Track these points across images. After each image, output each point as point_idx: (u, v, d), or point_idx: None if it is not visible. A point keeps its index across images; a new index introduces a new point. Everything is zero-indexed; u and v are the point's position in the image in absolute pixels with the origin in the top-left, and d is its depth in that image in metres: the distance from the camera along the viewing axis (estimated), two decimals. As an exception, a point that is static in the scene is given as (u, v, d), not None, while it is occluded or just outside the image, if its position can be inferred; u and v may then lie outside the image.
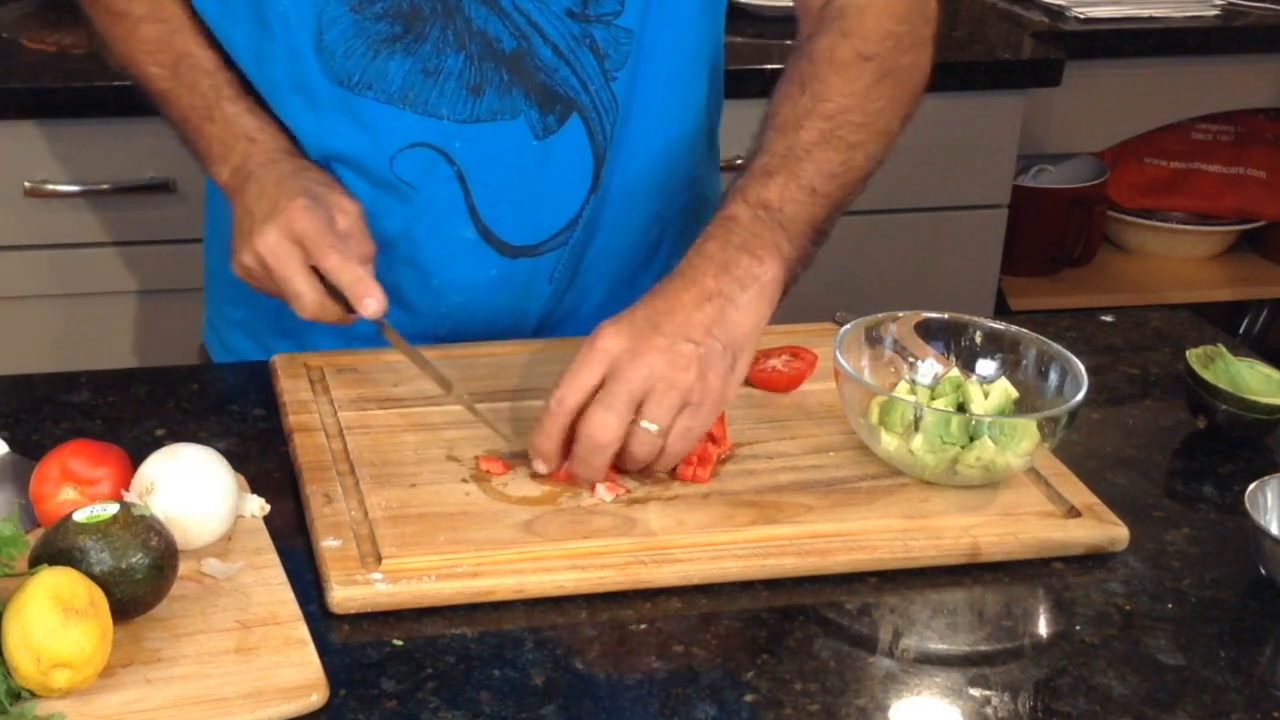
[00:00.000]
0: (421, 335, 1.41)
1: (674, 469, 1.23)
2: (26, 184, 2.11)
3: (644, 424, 1.17)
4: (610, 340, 1.18)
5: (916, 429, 1.21)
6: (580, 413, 1.18)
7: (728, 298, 1.21)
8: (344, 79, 1.34)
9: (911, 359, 1.33)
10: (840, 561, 1.15)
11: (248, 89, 1.40)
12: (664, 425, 1.17)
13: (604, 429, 1.16)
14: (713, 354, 1.19)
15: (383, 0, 1.32)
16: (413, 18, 1.32)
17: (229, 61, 1.40)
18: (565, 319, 1.48)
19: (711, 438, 1.26)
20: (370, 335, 1.40)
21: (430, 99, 1.35)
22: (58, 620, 0.95)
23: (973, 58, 2.43)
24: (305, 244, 1.30)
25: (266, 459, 1.27)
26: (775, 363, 1.37)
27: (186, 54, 1.39)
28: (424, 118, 1.35)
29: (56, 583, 0.96)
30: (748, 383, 1.37)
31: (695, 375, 1.17)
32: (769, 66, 2.29)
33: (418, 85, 1.34)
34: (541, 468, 1.21)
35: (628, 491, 1.21)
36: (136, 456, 1.13)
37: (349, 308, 1.30)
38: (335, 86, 1.35)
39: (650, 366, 1.16)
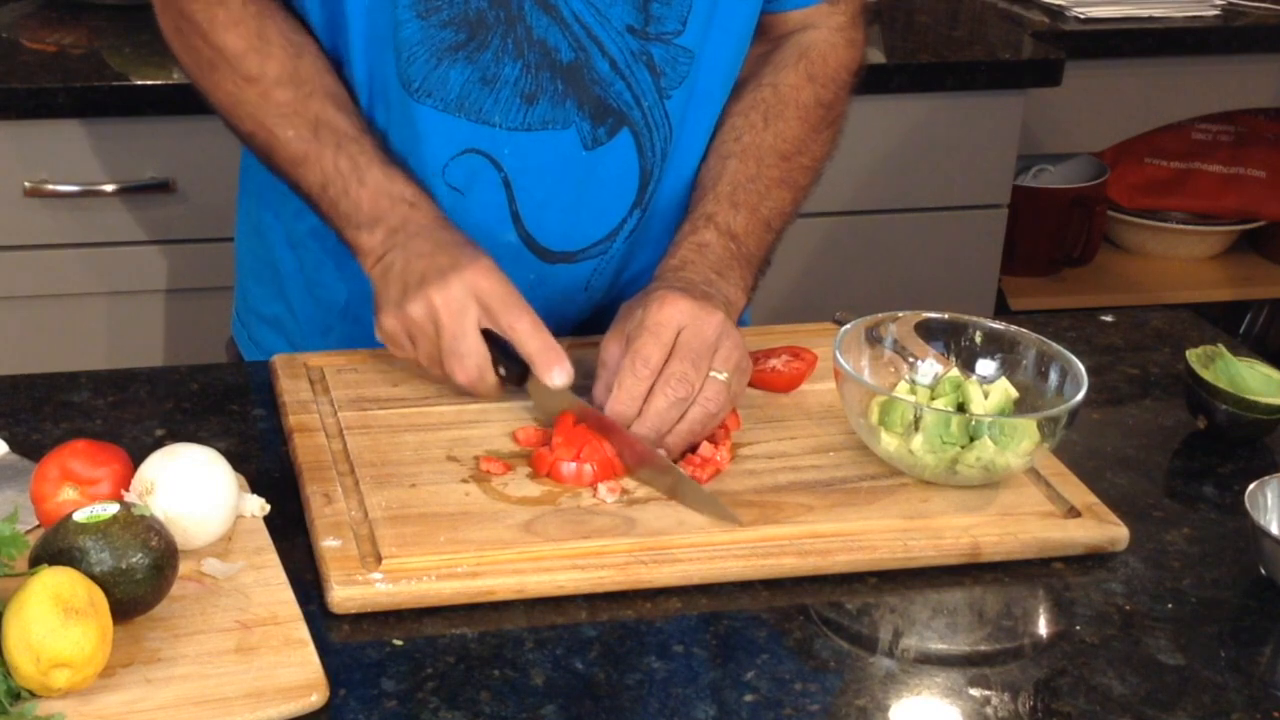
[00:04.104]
0: None
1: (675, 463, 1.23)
2: (26, 184, 2.11)
3: (713, 373, 1.23)
4: (678, 304, 1.25)
5: (916, 429, 1.21)
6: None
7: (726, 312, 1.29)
8: (406, 83, 1.34)
9: (911, 359, 1.33)
10: (840, 561, 1.15)
11: (392, 155, 1.37)
12: (730, 374, 1.24)
13: (685, 381, 1.22)
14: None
15: (448, 8, 1.31)
16: (477, 26, 1.32)
17: (368, 127, 1.37)
18: (601, 327, 1.48)
19: (711, 436, 1.26)
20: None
21: (485, 107, 1.34)
22: (58, 620, 0.95)
23: (973, 58, 2.42)
24: (490, 303, 1.26)
25: (266, 459, 1.27)
26: (775, 363, 1.37)
27: (327, 119, 1.34)
28: (477, 125, 1.35)
29: (56, 583, 0.96)
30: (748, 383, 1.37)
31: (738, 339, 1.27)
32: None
33: (474, 93, 1.34)
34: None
35: (627, 492, 1.21)
36: (136, 456, 1.13)
37: (510, 381, 1.27)
38: (399, 89, 1.34)
39: (718, 324, 1.25)
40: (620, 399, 1.23)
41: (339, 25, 1.36)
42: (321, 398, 1.33)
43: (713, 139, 1.44)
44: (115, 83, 2.10)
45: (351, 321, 1.48)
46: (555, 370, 1.24)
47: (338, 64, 1.38)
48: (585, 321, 1.48)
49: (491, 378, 1.27)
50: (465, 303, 1.26)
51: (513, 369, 1.27)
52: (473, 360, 1.26)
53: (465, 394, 1.30)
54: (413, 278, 1.28)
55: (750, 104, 1.44)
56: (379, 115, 1.38)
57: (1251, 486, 1.18)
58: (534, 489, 1.21)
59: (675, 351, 1.23)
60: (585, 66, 1.34)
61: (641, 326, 1.24)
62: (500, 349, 1.27)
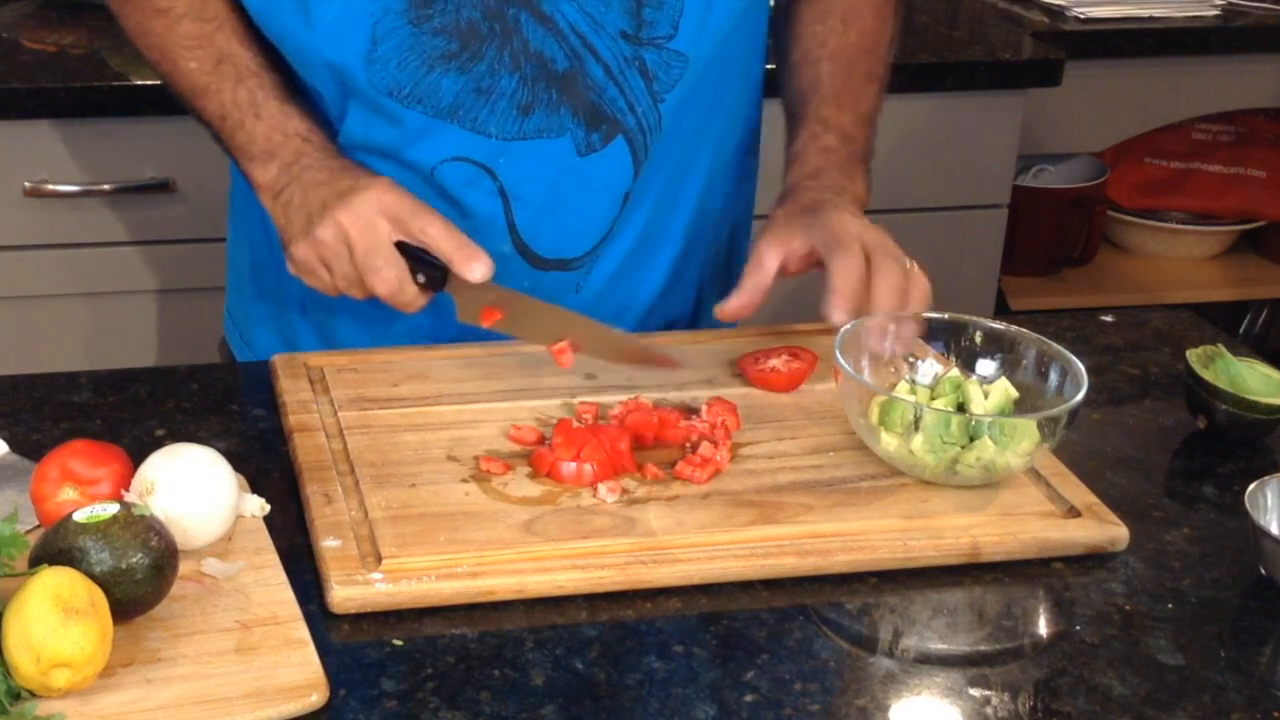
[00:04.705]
0: (447, 339, 1.41)
1: (674, 465, 1.23)
2: (26, 184, 2.11)
3: (909, 265, 1.33)
4: (853, 225, 1.34)
5: (916, 429, 1.21)
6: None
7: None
8: (393, 90, 1.33)
9: (911, 359, 1.33)
10: (840, 561, 1.15)
11: (293, 91, 1.38)
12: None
13: (898, 272, 1.31)
14: None
15: (441, 16, 1.30)
16: (470, 36, 1.31)
17: (272, 63, 1.38)
18: None
19: (710, 435, 1.26)
20: (403, 333, 1.40)
21: (480, 117, 1.34)
22: (58, 620, 0.95)
23: (973, 58, 2.43)
24: (399, 214, 1.29)
25: (266, 459, 1.27)
26: (775, 363, 1.37)
27: (230, 52, 1.37)
28: (470, 134, 1.35)
29: (56, 583, 0.96)
30: (747, 383, 1.37)
31: None
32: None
33: (469, 103, 1.34)
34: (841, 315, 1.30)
35: (627, 492, 1.21)
36: (136, 456, 1.13)
37: (431, 286, 1.30)
38: (384, 96, 1.34)
39: (885, 235, 1.34)
40: (840, 308, 1.29)
41: (312, 27, 1.33)
42: (321, 398, 1.33)
43: (793, 49, 1.49)
44: (115, 83, 2.10)
45: (349, 320, 1.48)
46: (474, 265, 1.28)
47: (291, 64, 1.38)
48: None
49: (411, 287, 1.30)
50: (373, 218, 1.28)
51: (432, 274, 1.30)
52: (391, 271, 1.29)
53: (385, 303, 1.32)
54: (315, 205, 1.31)
55: (825, 10, 1.49)
56: (357, 116, 1.37)
57: (1251, 486, 1.18)
58: (534, 489, 1.21)
59: (873, 255, 1.31)
60: (580, 73, 1.34)
61: (834, 236, 1.32)
62: (413, 258, 1.30)
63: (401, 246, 1.29)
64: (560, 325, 1.33)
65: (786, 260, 1.35)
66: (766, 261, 1.34)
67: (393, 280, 1.29)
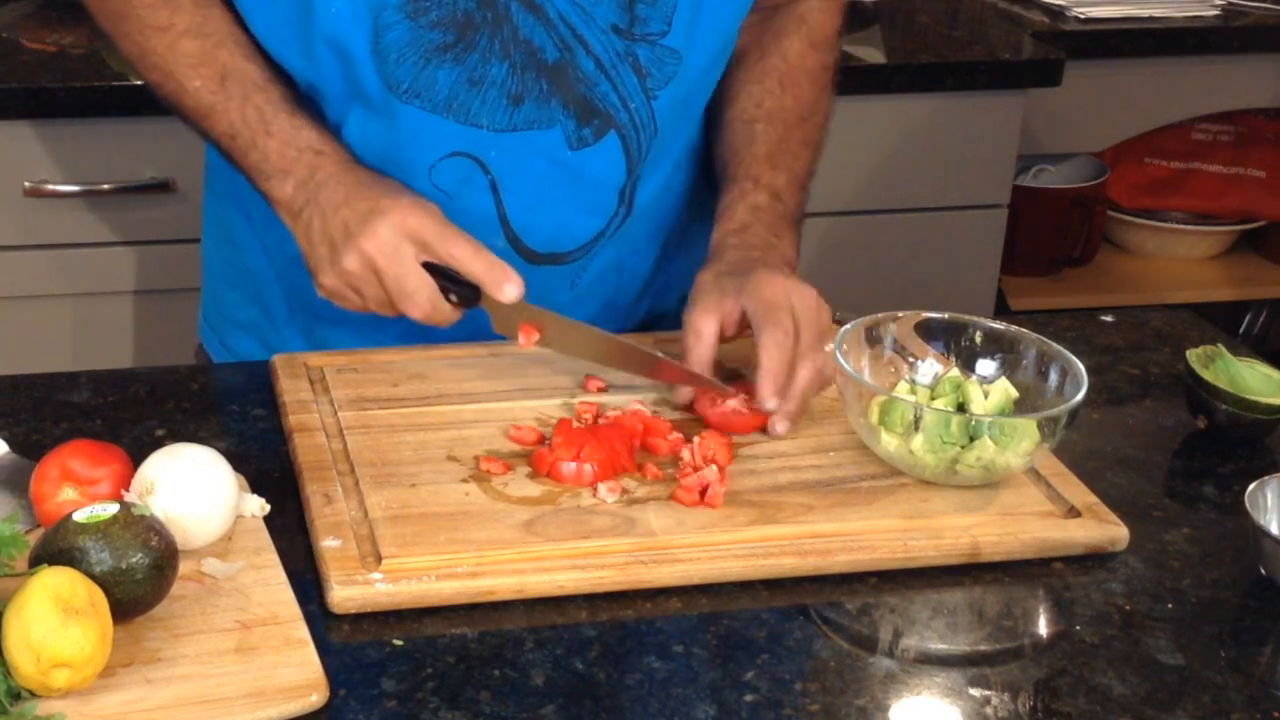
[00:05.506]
0: (439, 337, 1.40)
1: (676, 465, 1.23)
2: (26, 184, 2.11)
3: (829, 347, 1.30)
4: (782, 287, 1.31)
5: (916, 429, 1.21)
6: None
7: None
8: (393, 85, 1.33)
9: (911, 359, 1.33)
10: (840, 561, 1.15)
11: (301, 103, 1.37)
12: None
13: (820, 352, 1.29)
14: None
15: (438, 9, 1.30)
16: (465, 26, 1.31)
17: (277, 75, 1.36)
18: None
19: (714, 456, 1.25)
20: (395, 336, 1.40)
21: (473, 108, 1.34)
22: (58, 620, 0.95)
23: (973, 58, 2.43)
24: (424, 237, 1.28)
25: (266, 459, 1.27)
26: (734, 403, 1.31)
27: (234, 68, 1.34)
28: (464, 127, 1.35)
29: (56, 583, 0.96)
30: (706, 423, 1.32)
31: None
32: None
33: (462, 95, 1.33)
34: (783, 427, 1.29)
35: (627, 492, 1.21)
36: (136, 456, 1.13)
37: (465, 304, 1.30)
38: (385, 91, 1.33)
39: (815, 298, 1.32)
40: (768, 386, 1.27)
41: (312, 24, 1.32)
42: (321, 398, 1.33)
43: (728, 107, 1.47)
44: (115, 83, 2.10)
45: (333, 323, 1.47)
46: (506, 286, 1.29)
47: (288, 67, 1.37)
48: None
49: (445, 306, 1.30)
50: (397, 243, 1.28)
51: (465, 293, 1.30)
52: (423, 294, 1.29)
53: (421, 325, 1.32)
54: (337, 231, 1.30)
55: (763, 72, 1.47)
56: (356, 118, 1.37)
57: (1251, 486, 1.18)
58: (534, 489, 1.21)
59: (802, 330, 1.29)
60: (570, 66, 1.34)
61: (764, 303, 1.29)
62: (445, 276, 1.30)
63: (431, 265, 1.29)
64: (597, 345, 1.32)
65: (723, 326, 1.32)
66: (704, 331, 1.31)
67: (425, 304, 1.29)
